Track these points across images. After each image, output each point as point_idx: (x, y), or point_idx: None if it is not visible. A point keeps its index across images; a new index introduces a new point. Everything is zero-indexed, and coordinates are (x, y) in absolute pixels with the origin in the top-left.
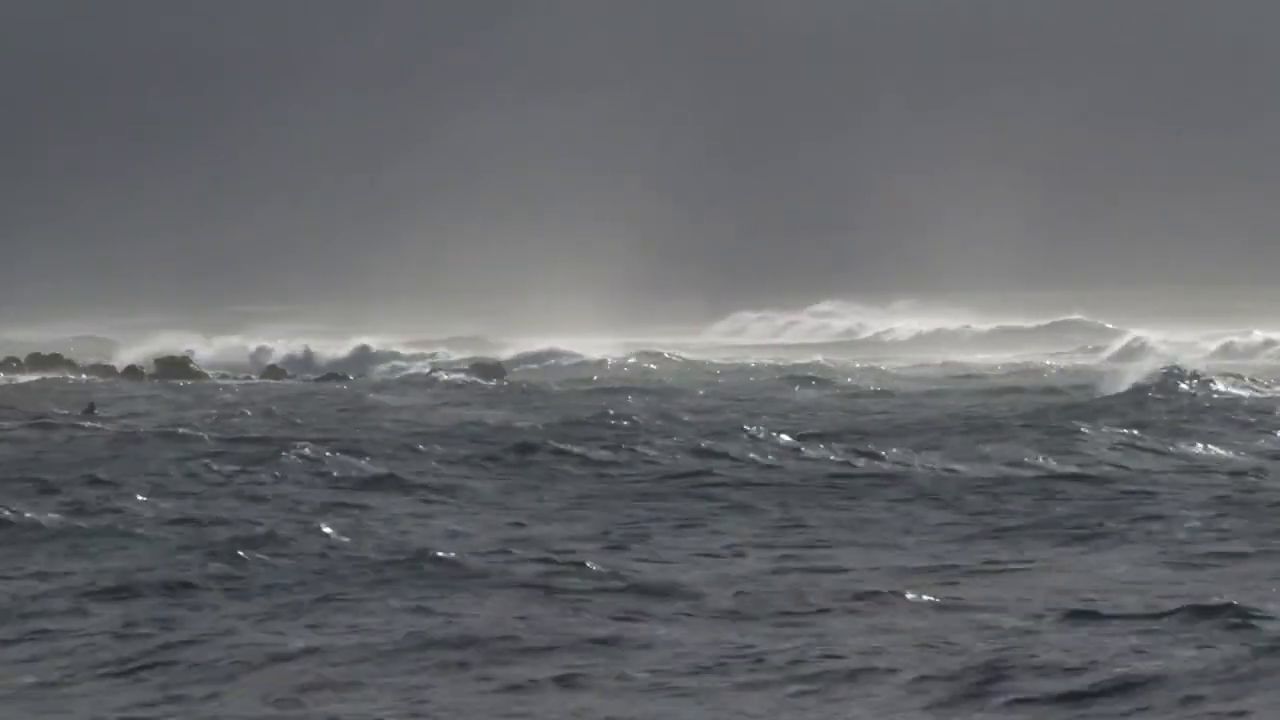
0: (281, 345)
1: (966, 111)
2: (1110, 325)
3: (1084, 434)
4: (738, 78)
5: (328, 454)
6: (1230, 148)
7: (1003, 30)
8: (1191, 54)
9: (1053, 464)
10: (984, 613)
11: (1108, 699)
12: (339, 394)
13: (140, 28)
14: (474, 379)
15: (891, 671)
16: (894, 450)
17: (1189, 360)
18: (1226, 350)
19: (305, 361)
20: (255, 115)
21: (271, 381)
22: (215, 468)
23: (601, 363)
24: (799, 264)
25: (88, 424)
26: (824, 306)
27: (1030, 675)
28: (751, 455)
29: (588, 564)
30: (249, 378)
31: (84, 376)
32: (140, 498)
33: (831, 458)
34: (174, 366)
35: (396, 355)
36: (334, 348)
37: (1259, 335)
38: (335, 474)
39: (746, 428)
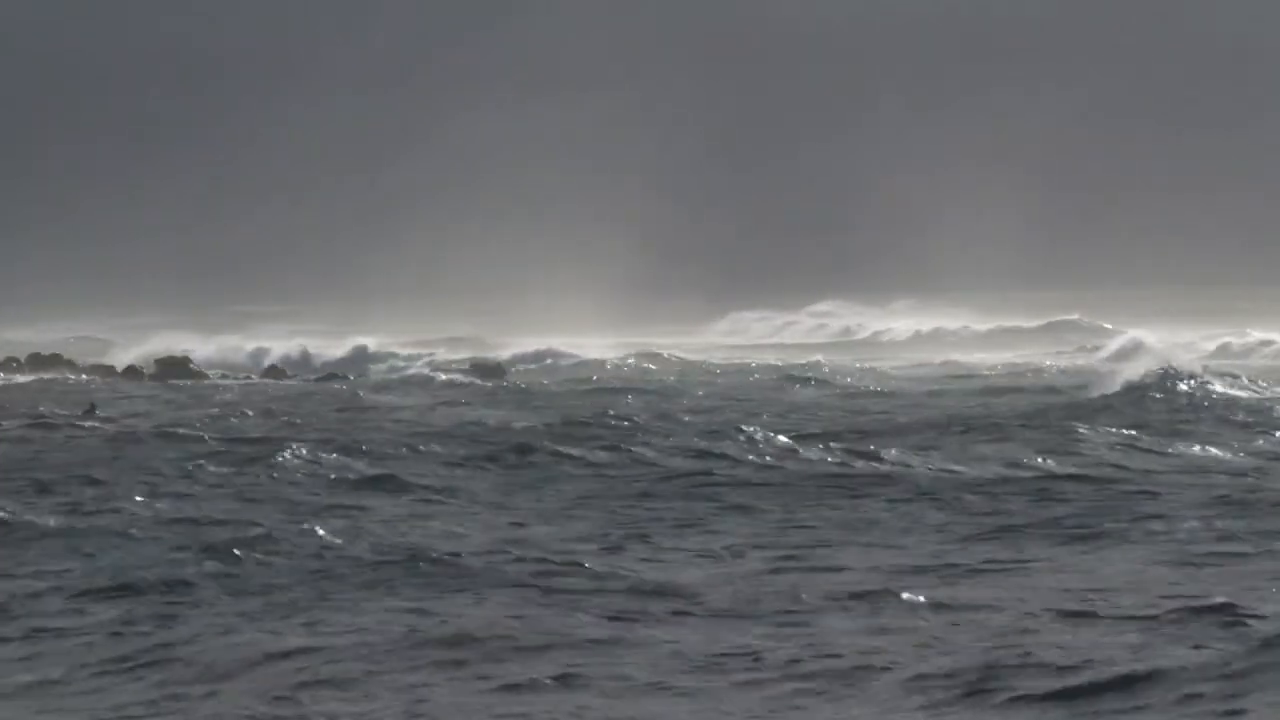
0: (279, 345)
1: (966, 111)
2: (1108, 325)
3: (1082, 434)
4: (738, 78)
5: (327, 454)
6: (1230, 148)
7: (1003, 30)
8: (1191, 54)
9: (1051, 464)
10: (982, 612)
11: (1106, 698)
12: (338, 394)
13: (140, 28)
14: (474, 379)
15: (890, 671)
16: (893, 450)
17: (1185, 360)
18: (1224, 350)
19: (302, 362)
20: (255, 115)
21: (271, 381)
22: (214, 468)
23: (601, 363)
24: (799, 264)
25: (87, 424)
26: (822, 306)
27: (1028, 675)
28: (750, 455)
29: (587, 564)
30: (249, 378)
31: (84, 376)
32: (138, 498)
33: (830, 458)
34: (173, 366)
35: (394, 355)
36: (332, 348)
37: (1255, 335)
38: (334, 474)
39: (745, 428)
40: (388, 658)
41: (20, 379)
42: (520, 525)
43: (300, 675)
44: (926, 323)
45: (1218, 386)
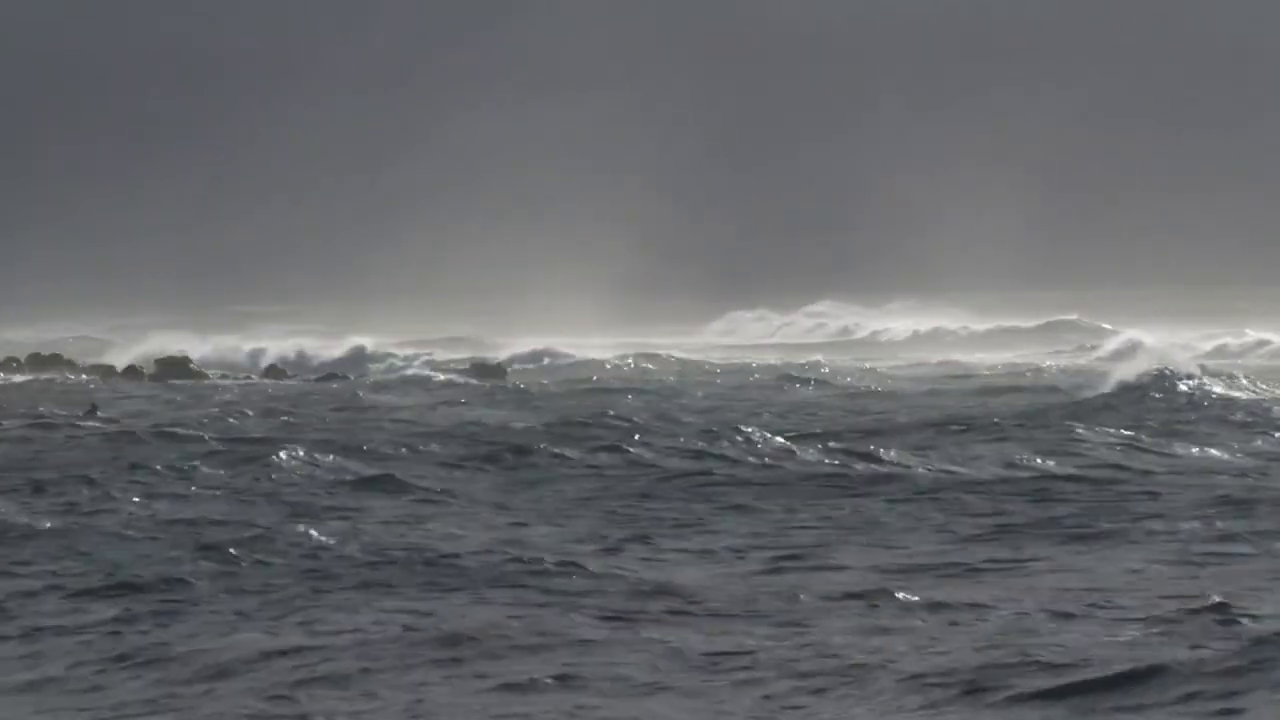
0: (276, 345)
1: (966, 111)
2: (1107, 326)
3: (1081, 434)
4: (738, 78)
5: (326, 454)
6: (1230, 148)
7: (1003, 30)
8: (1191, 54)
9: (1049, 464)
10: (981, 612)
11: (1104, 697)
12: (337, 394)
13: (140, 28)
14: (473, 379)
15: (889, 670)
16: (892, 450)
17: (1183, 360)
18: (1221, 351)
19: (299, 362)
20: (255, 115)
21: (271, 381)
22: (213, 468)
23: (600, 363)
24: (798, 264)
25: (88, 424)
26: (820, 306)
27: (1027, 674)
28: (750, 455)
29: (586, 564)
30: (248, 378)
31: (84, 376)
32: (137, 498)
33: (829, 458)
34: (173, 367)
35: (392, 356)
36: (329, 348)
37: (1253, 335)
38: (333, 474)
39: (744, 428)
40: (386, 657)
41: (20, 379)
42: (519, 525)
43: (298, 674)
44: (925, 323)
45: (1215, 387)
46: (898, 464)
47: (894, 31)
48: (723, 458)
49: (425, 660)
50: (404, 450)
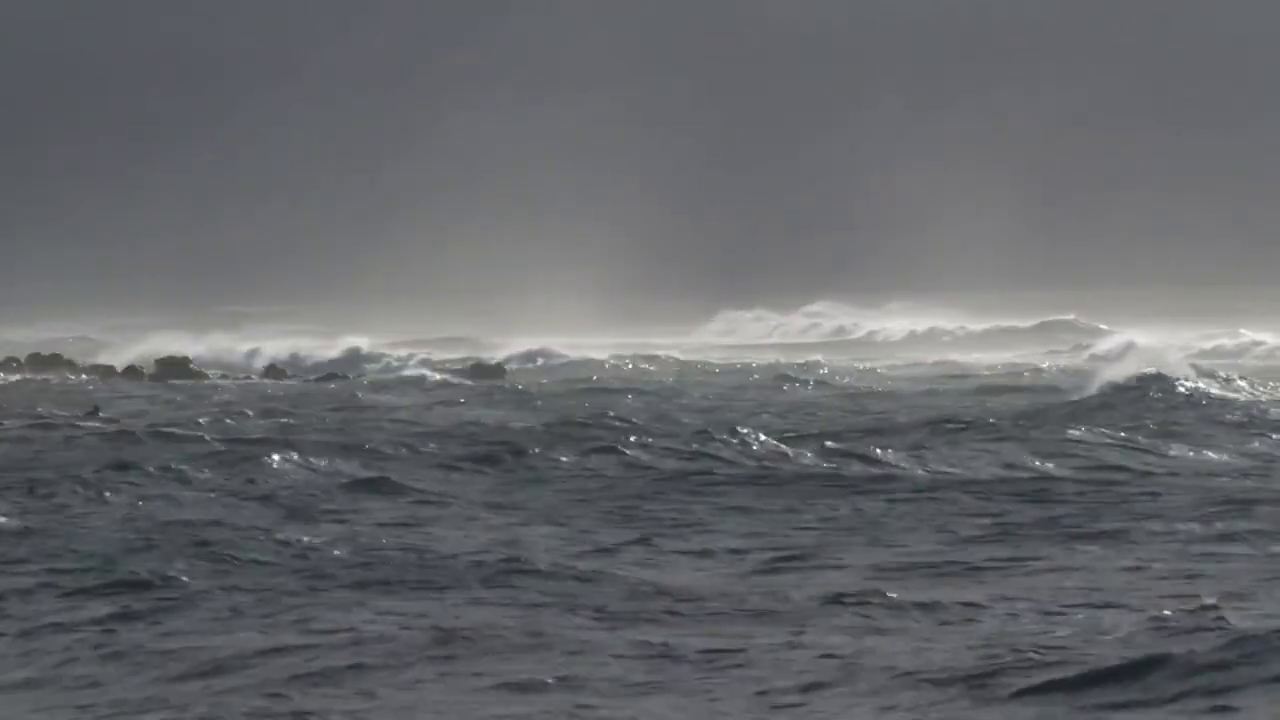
0: (271, 346)
1: (965, 111)
2: (1104, 326)
3: (1078, 435)
4: (737, 77)
5: (324, 454)
6: (1230, 148)
7: (1002, 30)
8: (1191, 54)
9: (1047, 464)
10: (979, 611)
11: (1099, 694)
12: (337, 394)
13: (140, 28)
14: (472, 380)
15: (887, 670)
16: (891, 450)
17: (1178, 361)
18: (1217, 351)
19: (292, 362)
20: (255, 115)
21: (270, 381)
22: (212, 468)
23: (599, 363)
24: (798, 263)
25: (88, 424)
26: (817, 306)
27: (1025, 673)
28: (748, 456)
29: (584, 564)
30: (248, 378)
31: (83, 376)
32: (135, 498)
33: (828, 458)
34: (173, 367)
35: (388, 356)
36: (325, 348)
37: (1249, 336)
38: (331, 474)
39: (742, 428)
40: (381, 655)
41: (21, 379)
42: (517, 525)
43: (293, 671)
44: (921, 323)
45: (1211, 388)
46: (896, 464)
47: (892, 31)
48: (721, 458)
49: (421, 659)
50: (403, 450)
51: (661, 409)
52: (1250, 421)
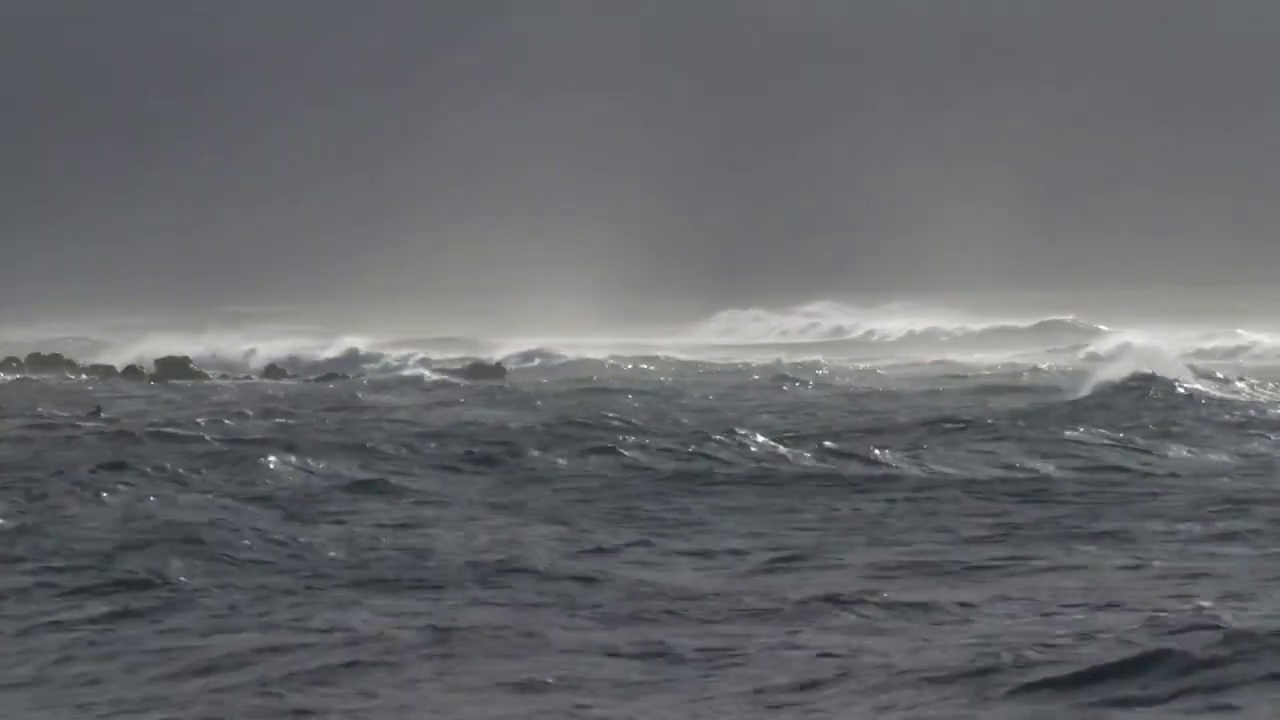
0: (270, 346)
1: (965, 111)
2: (1103, 326)
3: (1077, 435)
4: (737, 77)
5: (323, 454)
6: (1230, 148)
7: (1002, 30)
8: (1191, 54)
9: (1046, 464)
10: (977, 610)
11: (1097, 693)
12: (336, 394)
13: (140, 28)
14: (471, 380)
15: (886, 669)
16: (889, 450)
17: (1176, 361)
18: (1215, 351)
19: (292, 362)
20: (255, 115)
21: (270, 381)
22: (210, 467)
23: (598, 363)
24: (798, 263)
25: (87, 424)
26: (816, 306)
27: (1024, 673)
28: (747, 456)
29: (582, 564)
30: (248, 378)
31: (83, 376)
32: (134, 497)
33: (826, 458)
34: (174, 367)
35: (387, 356)
36: (323, 348)
37: (1247, 336)
38: (330, 474)
39: (741, 429)
40: (379, 655)
41: (20, 379)
42: (516, 525)
43: (290, 670)
44: (920, 323)
45: (1209, 388)
46: (895, 464)
47: (892, 31)
48: (721, 458)
49: (419, 658)
50: (403, 450)
51: (661, 409)
52: (1249, 422)
